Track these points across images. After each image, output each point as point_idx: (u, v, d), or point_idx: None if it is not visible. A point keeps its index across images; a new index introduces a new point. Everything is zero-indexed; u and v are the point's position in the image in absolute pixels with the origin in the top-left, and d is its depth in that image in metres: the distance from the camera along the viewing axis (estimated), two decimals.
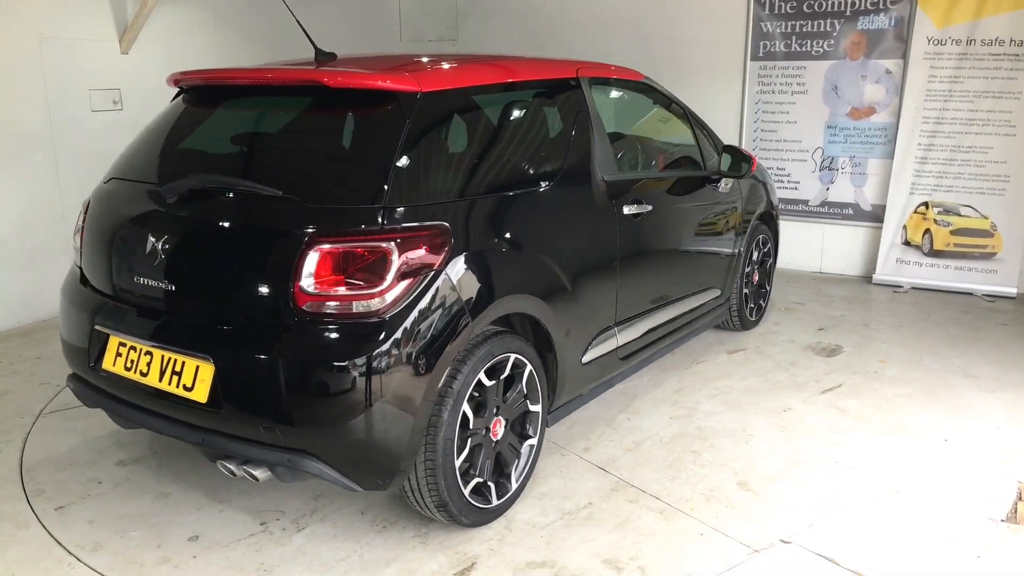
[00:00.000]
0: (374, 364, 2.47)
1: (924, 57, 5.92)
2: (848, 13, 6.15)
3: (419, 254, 2.57)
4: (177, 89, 3.28)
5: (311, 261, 2.49)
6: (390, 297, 2.51)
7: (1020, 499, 3.12)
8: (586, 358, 3.38)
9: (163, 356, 2.71)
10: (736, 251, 4.68)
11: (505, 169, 3.06)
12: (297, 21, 3.36)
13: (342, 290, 2.50)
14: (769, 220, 5.14)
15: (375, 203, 2.55)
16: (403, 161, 2.64)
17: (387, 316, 2.51)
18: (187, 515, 3.04)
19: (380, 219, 2.54)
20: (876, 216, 6.34)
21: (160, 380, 2.70)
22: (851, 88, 6.26)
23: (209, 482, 3.25)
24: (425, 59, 3.26)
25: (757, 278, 5.09)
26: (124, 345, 2.83)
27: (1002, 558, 2.77)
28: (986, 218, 5.93)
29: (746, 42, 6.56)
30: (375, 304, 2.50)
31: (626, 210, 3.56)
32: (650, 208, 3.70)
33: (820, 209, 6.58)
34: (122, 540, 2.89)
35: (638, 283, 3.71)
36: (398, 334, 2.51)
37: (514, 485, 3.04)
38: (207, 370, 2.59)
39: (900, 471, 3.38)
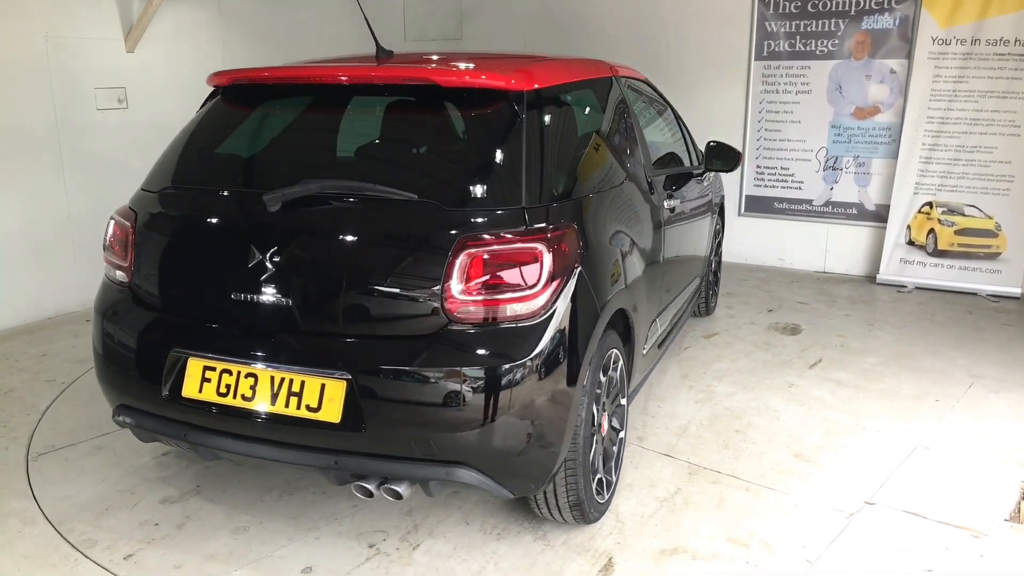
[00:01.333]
0: (533, 368, 2.42)
1: (929, 57, 5.91)
2: (852, 13, 6.14)
3: (563, 254, 2.51)
4: (212, 88, 3.08)
5: (462, 266, 2.40)
6: (542, 300, 2.44)
7: (1023, 498, 3.12)
8: (645, 348, 3.44)
9: (273, 377, 2.48)
10: (711, 240, 4.92)
11: (599, 166, 3.09)
12: (365, 18, 3.24)
13: (497, 295, 2.41)
14: (720, 211, 5.34)
15: (515, 204, 2.50)
16: (530, 160, 2.58)
17: (539, 319, 2.44)
18: (282, 547, 2.82)
19: (524, 220, 2.48)
20: (880, 216, 6.33)
21: (273, 403, 2.48)
22: (855, 88, 6.26)
23: (281, 510, 3.04)
24: (502, 57, 3.25)
25: (714, 266, 5.30)
26: (212, 369, 2.55)
27: (1005, 557, 2.78)
28: (990, 218, 5.92)
29: (750, 41, 6.56)
30: (528, 307, 2.43)
31: (666, 204, 3.69)
32: (679, 202, 3.88)
33: (824, 209, 6.58)
34: None
35: (671, 273, 3.83)
36: (551, 336, 2.46)
37: (614, 478, 3.07)
38: (336, 387, 2.42)
39: (920, 433, 3.71)
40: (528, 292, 2.43)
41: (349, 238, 2.54)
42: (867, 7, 6.09)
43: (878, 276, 6.29)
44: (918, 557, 2.77)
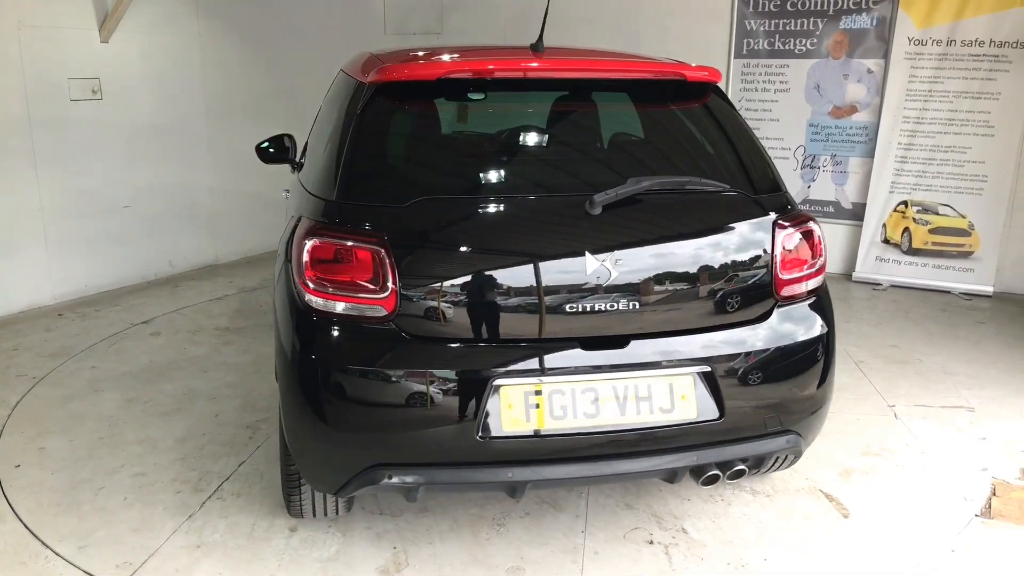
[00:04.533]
0: (832, 333, 2.69)
1: (905, 57, 5.97)
2: (831, 12, 6.19)
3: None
4: (381, 84, 2.62)
5: (782, 248, 2.59)
6: (823, 273, 2.73)
7: (994, 495, 3.17)
8: None
9: (616, 386, 2.38)
10: None
11: None
12: (546, 12, 3.08)
13: (806, 271, 2.64)
14: None
15: (776, 188, 2.74)
16: (762, 147, 2.86)
17: (823, 290, 2.73)
18: (579, 573, 2.70)
19: (790, 202, 2.75)
20: (856, 214, 6.39)
21: (622, 414, 2.37)
22: (833, 87, 6.31)
23: (518, 542, 2.85)
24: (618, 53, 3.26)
25: None
26: (538, 392, 2.34)
27: (976, 553, 2.82)
28: (964, 217, 5.99)
29: (730, 40, 6.59)
30: (819, 280, 2.70)
31: None
32: None
33: (801, 207, 6.61)
34: None
35: None
36: (830, 303, 2.76)
37: None
38: (685, 383, 2.42)
39: (847, 355, 4.48)
40: (819, 266, 2.69)
41: (678, 233, 2.53)
42: (845, 7, 6.14)
43: (854, 274, 6.35)
44: (961, 432, 3.69)
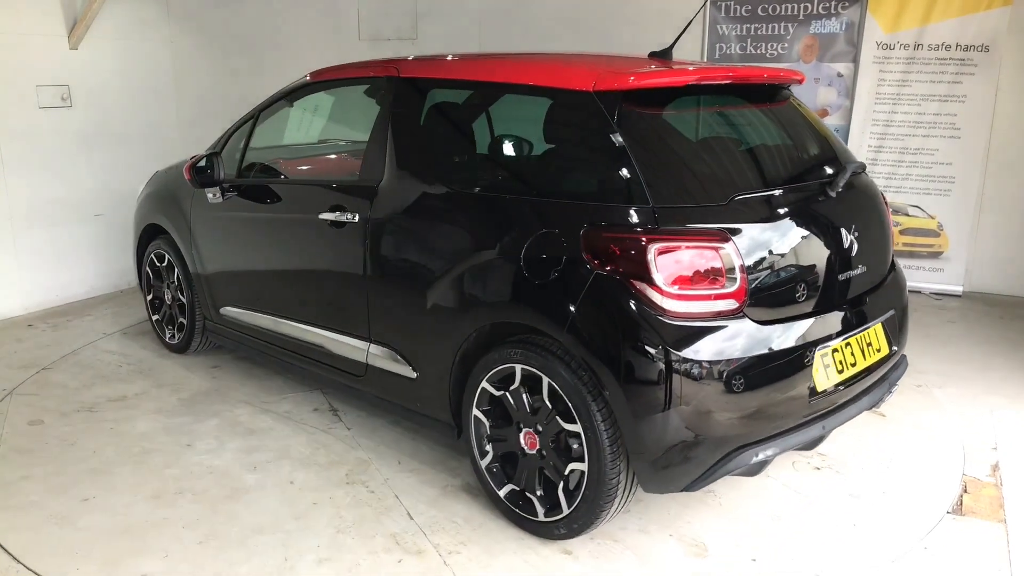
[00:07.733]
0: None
1: (874, 61, 6.06)
2: (801, 17, 6.27)
3: None
4: (621, 91, 2.72)
5: (891, 212, 3.36)
6: None
7: (965, 492, 3.22)
8: None
9: (860, 338, 2.90)
10: None
11: None
12: (689, 22, 3.57)
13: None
14: None
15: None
16: None
17: None
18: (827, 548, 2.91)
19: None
20: None
21: (864, 359, 2.91)
22: (805, 90, 6.38)
23: (724, 498, 3.18)
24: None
25: None
26: (827, 353, 2.75)
27: (948, 549, 2.86)
28: (933, 218, 6.09)
29: (702, 44, 6.64)
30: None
31: None
32: None
33: None
34: None
35: None
36: None
37: None
38: (879, 328, 3.01)
39: None
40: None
41: (866, 205, 3.14)
42: (815, 12, 6.22)
43: None
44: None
